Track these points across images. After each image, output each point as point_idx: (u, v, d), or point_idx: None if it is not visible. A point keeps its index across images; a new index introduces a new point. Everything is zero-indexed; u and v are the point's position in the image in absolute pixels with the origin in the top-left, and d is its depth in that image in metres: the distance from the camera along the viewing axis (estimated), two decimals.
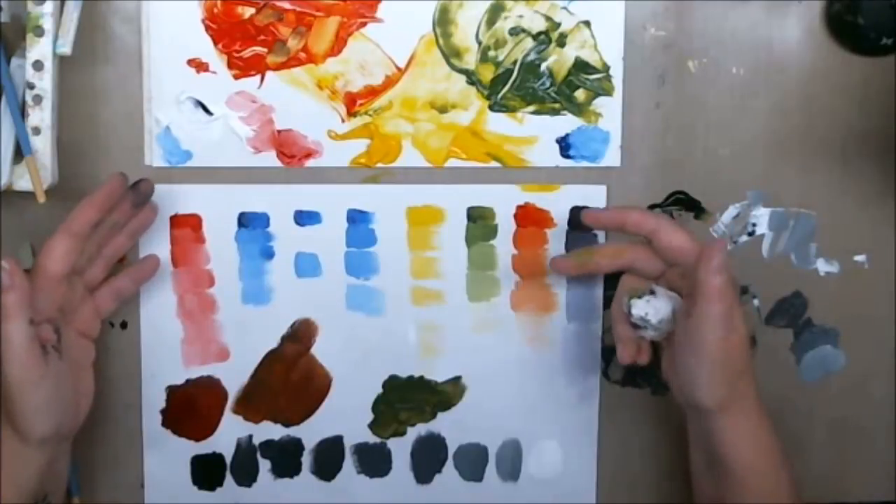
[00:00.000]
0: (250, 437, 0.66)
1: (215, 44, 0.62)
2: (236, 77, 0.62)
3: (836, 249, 0.68)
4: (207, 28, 0.62)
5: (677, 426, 0.69)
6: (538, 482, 0.68)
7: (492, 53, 0.63)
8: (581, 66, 0.64)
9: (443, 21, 0.63)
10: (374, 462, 0.67)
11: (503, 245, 0.66)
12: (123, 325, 0.64)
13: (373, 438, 0.67)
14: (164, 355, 0.65)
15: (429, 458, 0.68)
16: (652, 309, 0.59)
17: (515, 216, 0.65)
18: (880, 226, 0.68)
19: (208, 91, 0.62)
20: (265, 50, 0.62)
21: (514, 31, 0.63)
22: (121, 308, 0.62)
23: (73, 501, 0.63)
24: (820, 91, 0.66)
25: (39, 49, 0.57)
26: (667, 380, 0.60)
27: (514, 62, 0.64)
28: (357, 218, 0.65)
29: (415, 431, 0.67)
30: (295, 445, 0.67)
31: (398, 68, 0.63)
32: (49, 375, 0.53)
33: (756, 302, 0.68)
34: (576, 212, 0.65)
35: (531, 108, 0.64)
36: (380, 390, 0.67)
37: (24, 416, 0.53)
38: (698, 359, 0.56)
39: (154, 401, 0.65)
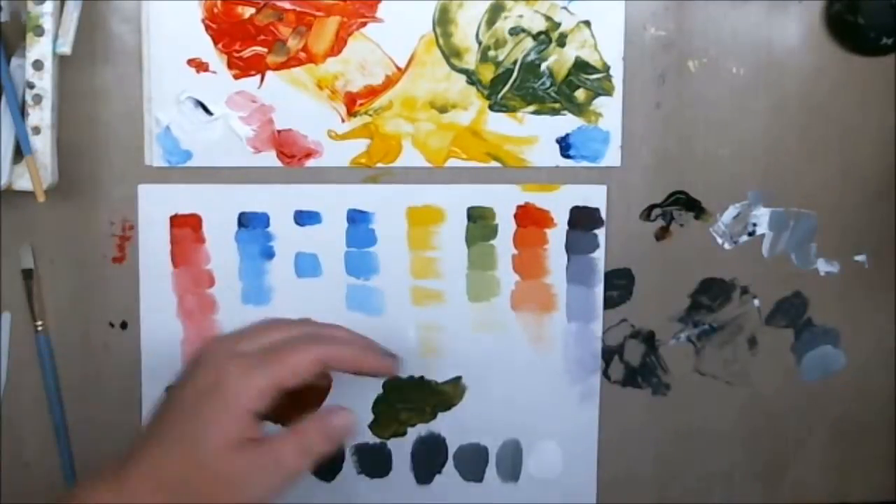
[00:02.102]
0: None
1: (215, 44, 0.62)
2: (236, 77, 0.62)
3: (836, 249, 0.68)
4: (207, 28, 0.62)
5: (677, 426, 0.69)
6: (538, 482, 0.68)
7: (492, 53, 0.63)
8: (581, 66, 0.64)
9: (443, 21, 0.63)
10: (374, 462, 0.67)
11: (503, 245, 0.66)
12: (123, 325, 0.64)
13: (373, 439, 0.67)
14: (164, 355, 0.64)
15: (429, 459, 0.68)
16: None
17: (515, 216, 0.65)
18: (880, 226, 0.68)
19: (208, 91, 0.62)
20: (265, 50, 0.62)
21: (514, 31, 0.63)
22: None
23: None
24: (820, 91, 0.66)
25: (39, 49, 0.57)
26: None
27: (514, 62, 0.64)
28: (357, 218, 0.65)
29: (415, 432, 0.67)
30: None
31: (398, 68, 0.63)
32: None
33: (756, 302, 0.68)
34: (576, 212, 0.65)
35: (531, 107, 0.64)
36: (380, 390, 0.67)
37: None
38: None
39: (154, 401, 0.65)
